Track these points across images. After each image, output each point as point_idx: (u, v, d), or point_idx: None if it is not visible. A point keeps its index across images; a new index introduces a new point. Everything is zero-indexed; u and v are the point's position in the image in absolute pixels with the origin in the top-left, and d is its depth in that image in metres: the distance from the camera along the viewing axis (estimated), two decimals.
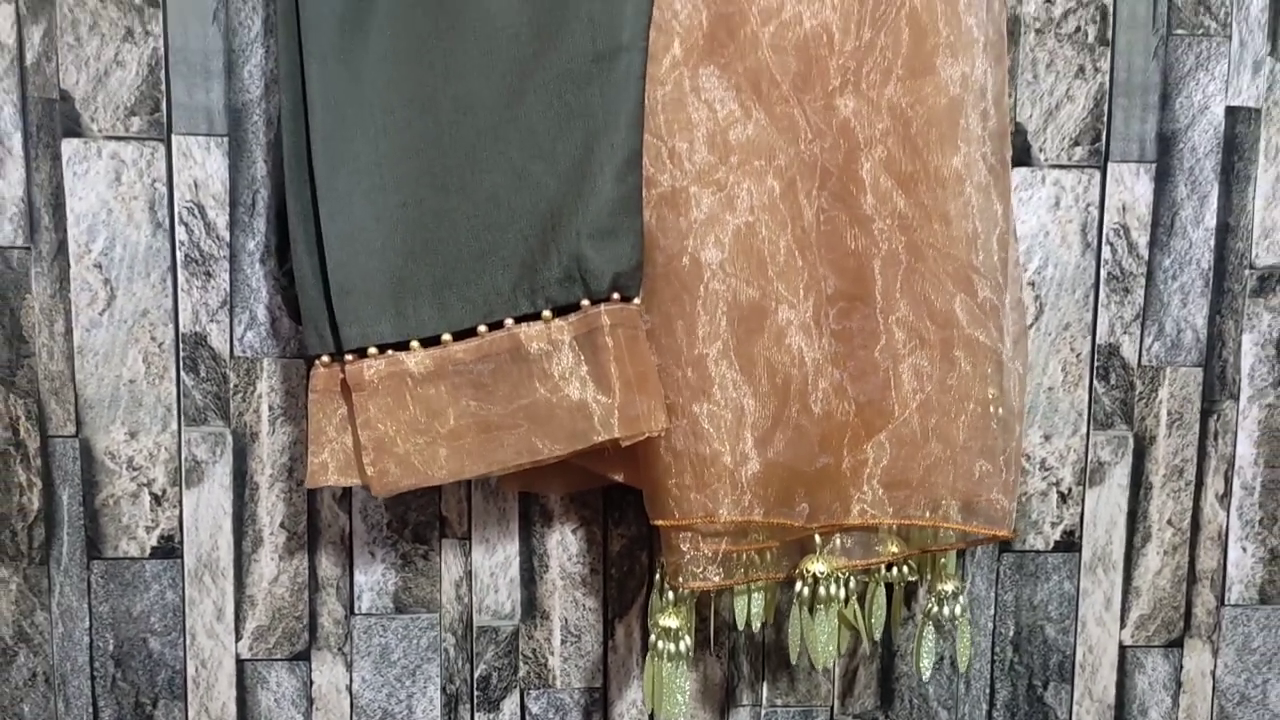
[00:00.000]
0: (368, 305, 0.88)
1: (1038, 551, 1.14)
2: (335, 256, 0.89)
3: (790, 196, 0.92)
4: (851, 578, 0.96)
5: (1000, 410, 0.94)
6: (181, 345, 1.04)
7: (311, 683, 1.08)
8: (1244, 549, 1.15)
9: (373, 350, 0.89)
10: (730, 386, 0.90)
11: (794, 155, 0.93)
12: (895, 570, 1.00)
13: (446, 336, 0.89)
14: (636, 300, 0.90)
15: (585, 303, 0.88)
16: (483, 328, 0.89)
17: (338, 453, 0.90)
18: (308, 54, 0.89)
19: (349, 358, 0.89)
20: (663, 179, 0.91)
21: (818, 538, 0.94)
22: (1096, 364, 1.12)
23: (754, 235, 0.91)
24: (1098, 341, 1.11)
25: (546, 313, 0.89)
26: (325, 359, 0.90)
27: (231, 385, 1.05)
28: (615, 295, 0.89)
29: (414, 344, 0.89)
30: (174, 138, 1.01)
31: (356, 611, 1.08)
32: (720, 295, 0.90)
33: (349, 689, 1.09)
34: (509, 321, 0.89)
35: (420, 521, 1.08)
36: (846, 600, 0.96)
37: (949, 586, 0.98)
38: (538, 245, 0.89)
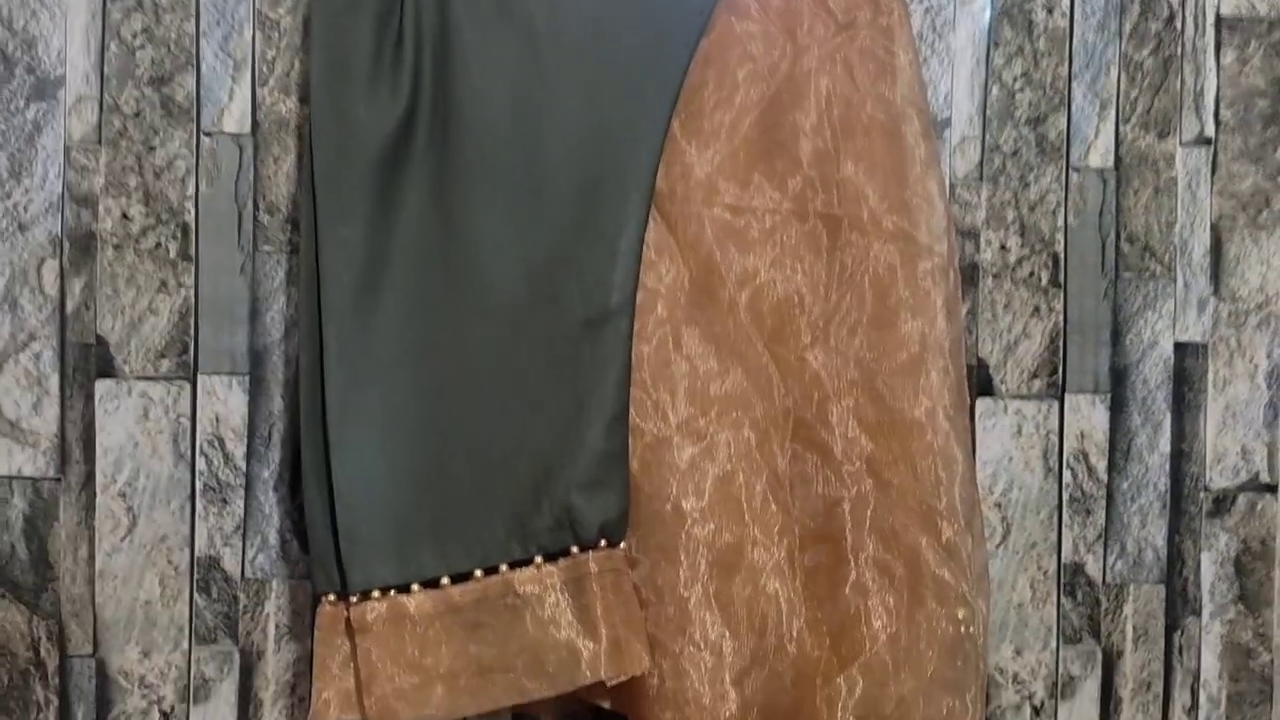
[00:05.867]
0: (372, 549, 0.95)
1: None
2: (343, 501, 0.96)
3: (765, 445, 1.00)
4: None
5: (966, 645, 1.00)
6: (196, 568, 1.10)
7: None
8: None
9: (375, 593, 0.95)
10: (710, 628, 0.96)
11: (768, 406, 1.01)
12: None
13: (445, 580, 0.96)
14: (622, 545, 0.97)
15: (574, 549, 0.95)
16: (478, 572, 0.96)
17: (340, 690, 0.95)
18: (326, 315, 0.98)
19: (353, 599, 0.95)
20: (648, 429, 0.99)
21: None
22: (1063, 581, 1.18)
23: (732, 483, 0.99)
24: (1063, 560, 1.18)
25: (538, 558, 0.96)
26: (331, 597, 0.97)
27: (241, 606, 1.11)
28: (603, 542, 0.96)
29: (414, 586, 0.95)
30: (200, 377, 1.10)
31: None
32: (700, 540, 0.97)
33: None
34: (503, 566, 0.96)
35: None
36: None
37: None
38: (530, 494, 0.96)
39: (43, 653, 1.09)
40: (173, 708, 1.10)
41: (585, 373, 0.97)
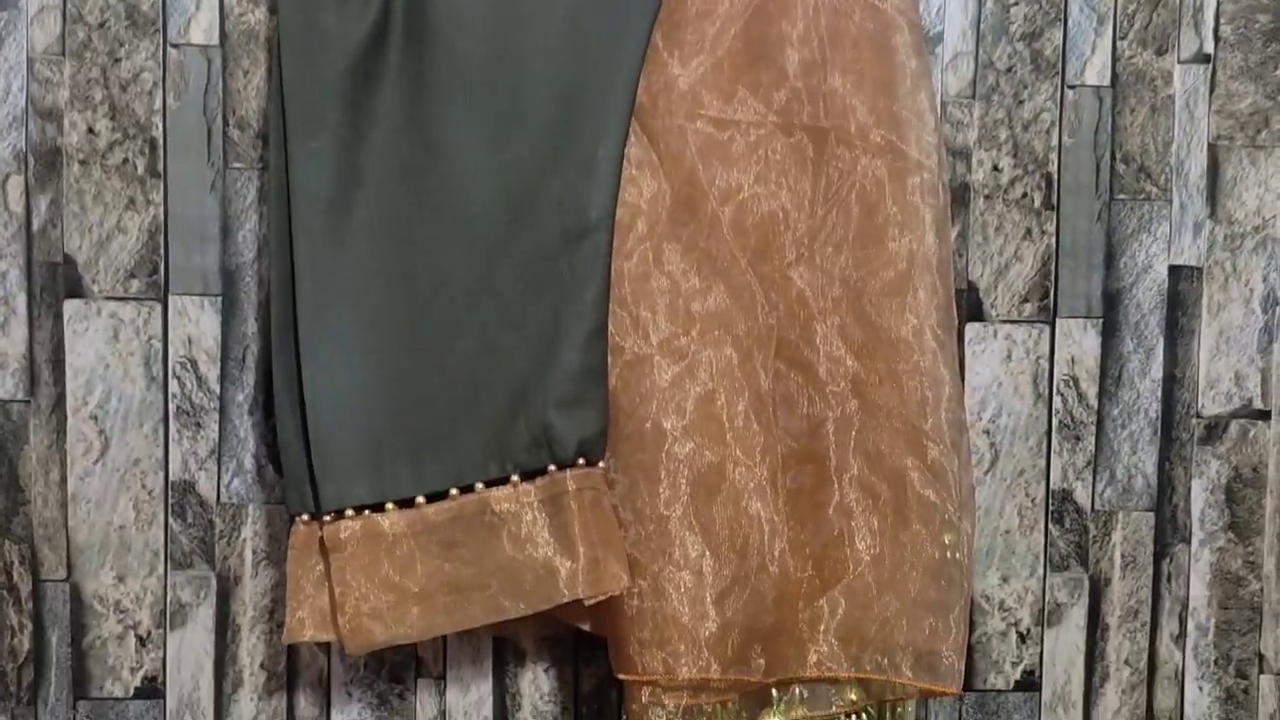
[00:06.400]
0: (345, 467, 0.93)
1: (999, 691, 1.17)
2: (316, 419, 0.94)
3: (748, 364, 0.98)
4: None
5: (950, 568, 0.99)
6: (170, 492, 1.08)
7: None
8: (1200, 688, 1.18)
9: (350, 511, 0.93)
10: (690, 548, 0.95)
11: (751, 325, 0.99)
12: (855, 718, 1.03)
13: (420, 498, 0.94)
14: (601, 464, 0.95)
15: (551, 468, 0.94)
16: (454, 490, 0.94)
17: (315, 610, 0.94)
18: (296, 229, 0.95)
19: (327, 518, 0.94)
20: (628, 346, 0.97)
21: (774, 691, 0.98)
22: (1051, 508, 1.16)
23: (713, 402, 0.97)
24: (1051, 487, 1.16)
25: (515, 477, 0.94)
26: (305, 517, 0.95)
27: (217, 530, 1.09)
28: (580, 460, 0.94)
29: (389, 505, 0.94)
30: (170, 298, 1.07)
31: None
32: (681, 459, 0.95)
33: None
34: (479, 485, 0.94)
35: (396, 661, 1.11)
36: None
37: None
38: (507, 411, 0.94)
39: (15, 577, 1.08)
40: (149, 633, 1.09)
41: (563, 288, 0.95)
